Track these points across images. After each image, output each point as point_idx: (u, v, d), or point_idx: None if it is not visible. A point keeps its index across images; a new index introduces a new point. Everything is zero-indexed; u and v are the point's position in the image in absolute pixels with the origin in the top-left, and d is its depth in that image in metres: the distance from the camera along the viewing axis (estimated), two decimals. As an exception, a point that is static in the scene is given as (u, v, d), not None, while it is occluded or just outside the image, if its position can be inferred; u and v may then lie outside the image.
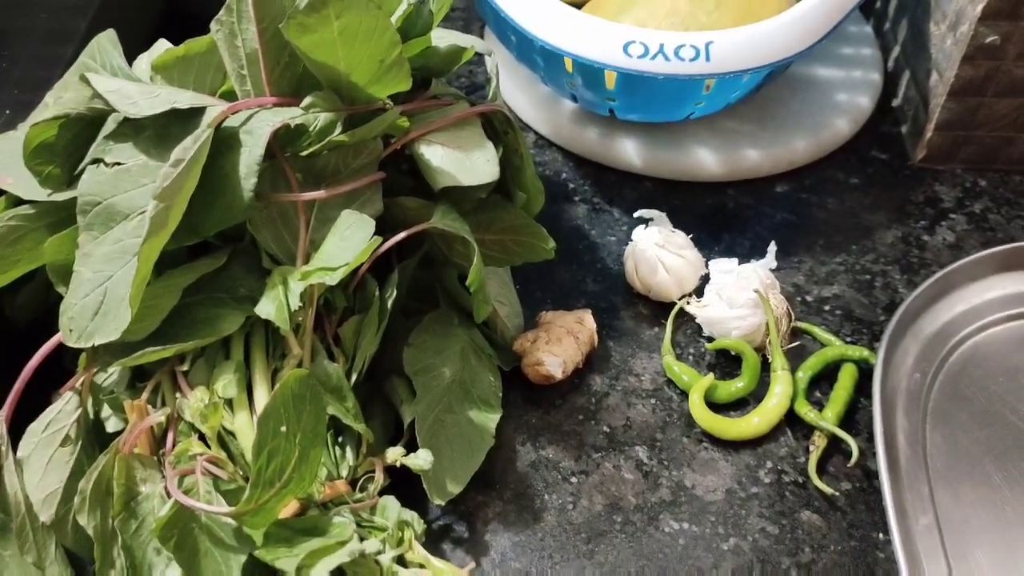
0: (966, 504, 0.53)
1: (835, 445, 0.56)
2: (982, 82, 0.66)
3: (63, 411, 0.47)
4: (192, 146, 0.44)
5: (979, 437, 0.56)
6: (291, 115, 0.47)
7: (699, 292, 0.62)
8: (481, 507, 0.53)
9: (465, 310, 0.56)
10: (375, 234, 0.46)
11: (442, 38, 0.56)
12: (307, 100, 0.48)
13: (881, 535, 0.52)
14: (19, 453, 0.47)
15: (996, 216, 0.69)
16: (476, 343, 0.56)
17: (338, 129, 0.48)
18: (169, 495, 0.42)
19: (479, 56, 0.82)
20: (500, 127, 0.56)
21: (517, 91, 0.78)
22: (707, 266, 0.63)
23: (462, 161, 0.51)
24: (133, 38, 0.55)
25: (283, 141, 0.49)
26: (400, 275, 0.53)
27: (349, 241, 0.46)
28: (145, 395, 0.46)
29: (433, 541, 0.51)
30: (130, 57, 0.54)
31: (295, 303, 0.45)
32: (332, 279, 0.45)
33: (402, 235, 0.51)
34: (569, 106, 0.75)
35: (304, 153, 0.48)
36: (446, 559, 0.48)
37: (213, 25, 0.49)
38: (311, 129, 0.48)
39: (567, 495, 0.54)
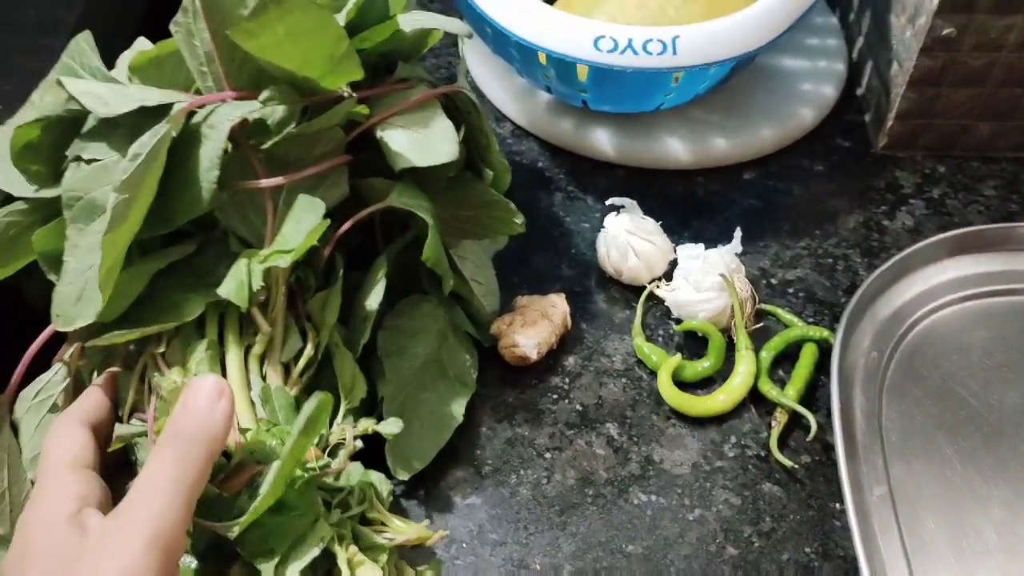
0: (919, 476, 0.56)
1: (796, 421, 0.58)
2: (940, 73, 0.69)
3: (52, 381, 0.50)
4: (150, 141, 0.45)
5: (932, 412, 0.58)
6: (249, 109, 0.49)
7: (668, 276, 0.65)
8: (460, 482, 0.56)
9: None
10: (347, 216, 0.48)
11: (417, 21, 0.57)
12: (264, 94, 0.50)
13: (838, 505, 0.55)
14: (14, 415, 0.50)
15: (953, 201, 0.72)
16: (455, 322, 0.59)
17: (296, 120, 0.50)
18: None
19: (457, 47, 0.84)
20: (463, 107, 0.58)
21: (494, 82, 0.80)
22: (675, 251, 0.65)
23: (421, 143, 0.52)
24: (120, 30, 0.57)
25: (250, 133, 0.51)
26: (388, 258, 0.55)
27: (302, 224, 0.49)
28: (136, 373, 0.49)
29: (413, 515, 0.53)
30: (117, 51, 0.56)
31: (257, 283, 0.48)
32: (285, 261, 0.48)
33: (358, 216, 0.53)
34: (544, 97, 0.77)
35: (265, 146, 0.51)
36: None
37: (172, 27, 0.51)
38: (269, 122, 0.50)
39: (541, 470, 0.56)
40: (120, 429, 0.47)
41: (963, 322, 0.63)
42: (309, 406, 0.43)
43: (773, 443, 0.57)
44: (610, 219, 0.66)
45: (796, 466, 0.56)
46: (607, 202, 0.66)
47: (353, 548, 0.44)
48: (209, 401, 0.42)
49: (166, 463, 0.41)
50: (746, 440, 0.58)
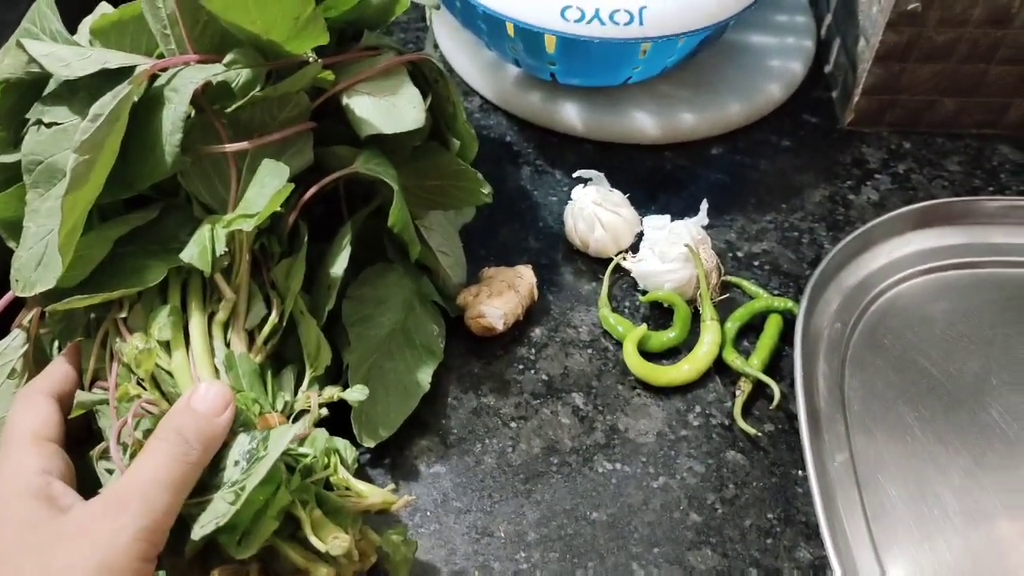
0: (880, 443, 0.56)
1: (760, 390, 0.59)
2: (905, 48, 0.70)
3: (10, 346, 0.50)
4: (111, 102, 0.45)
5: (894, 382, 0.59)
6: (213, 72, 0.49)
7: (635, 249, 0.65)
8: (425, 451, 0.56)
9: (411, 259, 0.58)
10: (312, 184, 0.48)
11: None
12: (228, 57, 0.49)
13: (800, 472, 0.55)
14: None
15: (918, 176, 0.72)
16: (423, 292, 0.59)
17: (260, 84, 0.50)
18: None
19: (425, 21, 0.84)
20: (430, 76, 0.57)
21: (462, 56, 0.79)
22: (642, 224, 0.66)
23: (388, 110, 0.52)
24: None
25: (214, 97, 0.50)
26: (352, 226, 0.55)
27: (267, 188, 0.49)
28: (98, 340, 0.48)
29: (379, 483, 0.53)
30: (78, 18, 0.56)
31: (220, 248, 0.47)
32: (248, 225, 0.47)
33: (324, 181, 0.53)
34: (513, 71, 0.77)
35: (229, 109, 0.50)
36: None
37: None
38: (234, 85, 0.50)
39: (507, 439, 0.56)
40: (81, 396, 0.47)
41: (925, 294, 0.64)
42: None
43: (737, 412, 0.57)
44: (577, 191, 0.66)
45: (759, 434, 0.57)
46: (575, 174, 0.66)
47: (317, 512, 0.44)
48: (215, 409, 0.43)
49: (165, 457, 0.41)
50: (711, 409, 0.58)
